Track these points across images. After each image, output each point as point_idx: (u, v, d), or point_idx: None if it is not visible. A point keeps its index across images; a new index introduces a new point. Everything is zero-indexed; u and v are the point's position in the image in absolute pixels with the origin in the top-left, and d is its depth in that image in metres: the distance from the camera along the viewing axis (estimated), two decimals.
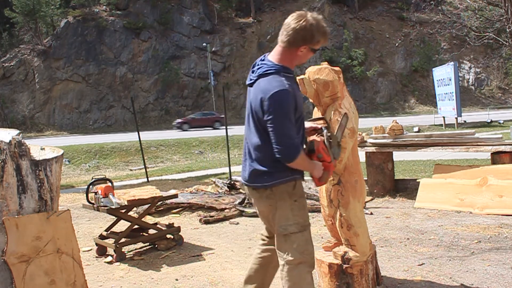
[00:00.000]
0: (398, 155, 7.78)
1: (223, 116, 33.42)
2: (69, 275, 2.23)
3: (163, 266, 4.03)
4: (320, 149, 2.43)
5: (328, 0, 42.68)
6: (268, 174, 2.34)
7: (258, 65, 2.38)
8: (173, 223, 4.84)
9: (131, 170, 18.30)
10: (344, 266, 2.89)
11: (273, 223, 2.44)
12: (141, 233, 4.75)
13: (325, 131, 2.51)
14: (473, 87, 41.08)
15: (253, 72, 2.40)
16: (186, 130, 31.02)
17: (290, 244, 2.37)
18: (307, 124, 2.59)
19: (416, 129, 22.37)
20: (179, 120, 32.40)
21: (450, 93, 22.93)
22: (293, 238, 2.36)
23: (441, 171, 5.74)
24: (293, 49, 2.31)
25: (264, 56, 2.42)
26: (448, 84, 23.24)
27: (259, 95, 2.26)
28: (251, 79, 2.39)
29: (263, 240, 2.70)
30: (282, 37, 2.31)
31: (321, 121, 2.60)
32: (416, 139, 5.89)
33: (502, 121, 24.47)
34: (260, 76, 2.32)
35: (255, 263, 2.69)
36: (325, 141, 2.46)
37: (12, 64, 36.85)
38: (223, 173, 10.62)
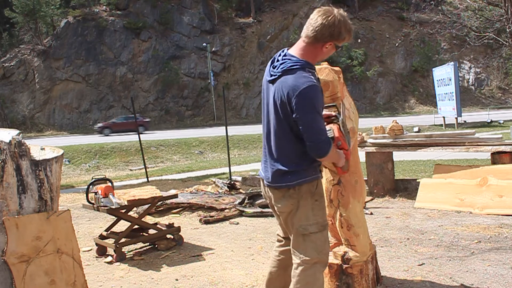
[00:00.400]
0: (398, 155, 7.78)
1: (148, 120, 32.09)
2: (69, 275, 2.23)
3: (163, 266, 4.03)
4: (339, 137, 2.39)
5: (328, 0, 42.68)
6: (292, 173, 2.31)
7: (279, 60, 2.32)
8: (173, 223, 4.84)
9: (131, 170, 18.29)
10: (344, 266, 2.89)
11: (291, 223, 2.40)
12: (141, 233, 4.75)
13: (340, 118, 2.46)
14: (473, 87, 41.06)
15: (274, 67, 2.32)
16: (108, 135, 29.44)
17: (309, 243, 2.35)
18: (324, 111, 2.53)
19: (416, 129, 22.36)
20: (100, 124, 30.83)
21: (450, 93, 22.90)
22: (313, 237, 2.35)
23: (441, 171, 5.74)
24: (318, 45, 2.27)
25: (283, 51, 2.36)
26: (448, 84, 23.22)
27: (286, 92, 2.20)
28: (272, 75, 2.32)
29: (280, 241, 2.64)
30: (308, 32, 2.27)
31: (334, 108, 2.54)
32: (416, 139, 5.90)
33: (502, 121, 24.46)
34: (285, 72, 2.25)
35: (274, 266, 2.64)
36: (341, 128, 2.42)
37: (12, 64, 36.84)
38: (223, 173, 10.62)
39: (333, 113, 2.48)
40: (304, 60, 2.26)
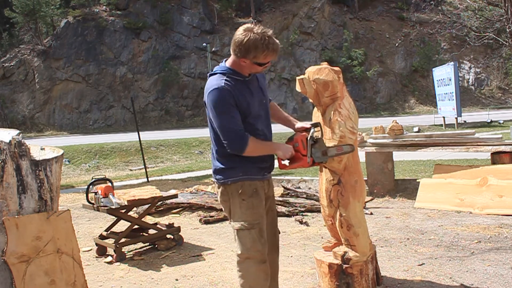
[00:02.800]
0: (398, 155, 7.77)
1: None
2: (69, 275, 2.23)
3: (163, 266, 4.03)
4: (298, 139, 2.54)
5: (328, 0, 42.65)
6: (221, 172, 2.54)
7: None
8: (173, 223, 4.84)
9: (131, 170, 18.28)
10: (344, 266, 2.89)
11: (230, 218, 2.63)
12: (141, 233, 4.75)
13: (312, 129, 2.59)
14: (473, 87, 41.04)
15: None
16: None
17: (239, 239, 2.54)
18: (300, 124, 2.72)
19: (416, 129, 22.34)
20: None
21: (450, 93, 22.89)
22: (241, 234, 2.52)
23: (441, 171, 5.74)
24: (237, 59, 2.45)
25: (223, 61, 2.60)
26: (448, 84, 23.21)
27: (204, 93, 2.49)
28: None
29: None
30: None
31: (317, 128, 2.67)
32: (416, 139, 5.89)
33: (502, 121, 24.44)
34: (209, 75, 2.54)
35: None
36: (308, 138, 2.54)
37: (12, 64, 36.80)
38: None
39: (308, 125, 2.64)
40: (229, 67, 2.49)
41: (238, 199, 2.52)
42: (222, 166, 2.52)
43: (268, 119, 2.66)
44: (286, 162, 2.58)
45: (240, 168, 2.49)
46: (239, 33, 2.39)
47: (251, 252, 2.50)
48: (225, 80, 2.42)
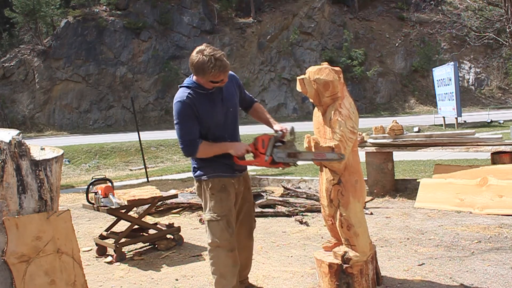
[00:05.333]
0: (398, 155, 7.77)
1: None
2: (69, 275, 2.23)
3: (163, 266, 4.03)
4: (259, 139, 2.76)
5: (328, 0, 42.64)
6: (197, 169, 2.87)
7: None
8: (173, 223, 4.84)
9: (131, 170, 18.26)
10: (344, 266, 2.89)
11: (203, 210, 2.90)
12: (141, 233, 4.75)
13: (279, 133, 2.79)
14: (473, 87, 41.02)
15: None
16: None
17: (209, 229, 2.82)
18: (277, 126, 2.93)
19: (416, 129, 22.32)
20: None
21: (450, 93, 22.88)
22: (210, 225, 2.81)
23: (441, 171, 5.74)
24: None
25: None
26: (448, 84, 23.20)
27: None
28: None
29: None
30: None
31: (291, 136, 2.82)
32: (416, 139, 5.89)
33: (502, 121, 24.42)
34: (179, 87, 2.83)
35: None
36: (271, 138, 2.74)
37: (12, 64, 36.79)
38: None
39: (279, 129, 2.86)
40: (194, 81, 2.77)
41: (208, 193, 2.81)
42: (197, 165, 2.85)
43: (236, 126, 2.95)
44: (250, 159, 2.83)
45: (210, 167, 2.80)
46: (193, 54, 2.64)
47: (220, 241, 2.78)
48: (188, 93, 2.71)
